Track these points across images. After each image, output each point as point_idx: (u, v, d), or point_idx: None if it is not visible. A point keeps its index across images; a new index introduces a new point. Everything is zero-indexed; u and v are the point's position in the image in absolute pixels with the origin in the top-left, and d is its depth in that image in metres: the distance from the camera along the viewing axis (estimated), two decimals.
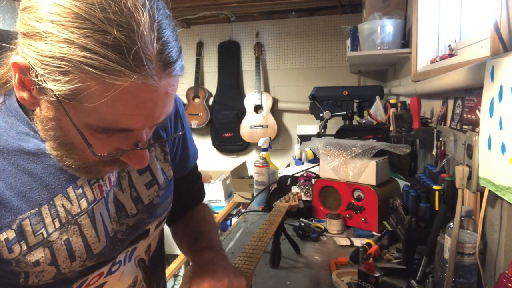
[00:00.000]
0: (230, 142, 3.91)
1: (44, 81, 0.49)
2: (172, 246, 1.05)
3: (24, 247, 0.60)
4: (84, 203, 0.65)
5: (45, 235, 0.61)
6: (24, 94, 0.54)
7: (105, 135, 0.53)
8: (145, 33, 0.48)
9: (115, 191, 0.70)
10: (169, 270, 2.58)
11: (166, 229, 0.93)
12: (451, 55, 1.53)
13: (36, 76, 0.50)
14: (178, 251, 2.49)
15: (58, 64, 0.47)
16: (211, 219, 0.94)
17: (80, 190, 0.64)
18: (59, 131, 0.55)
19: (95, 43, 0.46)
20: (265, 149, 1.88)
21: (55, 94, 0.49)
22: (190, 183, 0.93)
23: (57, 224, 0.62)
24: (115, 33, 0.46)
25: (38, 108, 0.56)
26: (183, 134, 0.86)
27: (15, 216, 0.59)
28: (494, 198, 0.82)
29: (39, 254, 0.61)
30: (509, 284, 0.60)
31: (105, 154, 0.54)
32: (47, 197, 0.61)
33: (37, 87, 0.51)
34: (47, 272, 0.62)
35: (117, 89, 0.47)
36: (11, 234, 0.59)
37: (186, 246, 0.85)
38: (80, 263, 0.65)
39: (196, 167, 0.94)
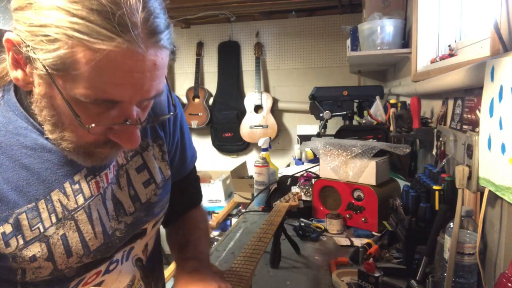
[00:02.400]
0: (230, 142, 3.91)
1: (34, 52, 0.50)
2: None
3: (21, 242, 0.60)
4: (80, 199, 0.65)
5: (42, 230, 0.61)
6: (18, 74, 0.55)
7: (94, 108, 0.53)
8: (131, 0, 0.49)
9: (113, 188, 0.70)
10: (168, 271, 2.57)
11: (163, 229, 0.93)
12: (451, 55, 1.53)
13: (27, 49, 0.51)
14: None
15: (46, 32, 0.49)
16: (204, 226, 0.93)
17: (77, 186, 0.64)
18: (52, 109, 0.56)
19: (81, 8, 0.47)
20: (265, 149, 1.88)
21: (44, 66, 0.50)
22: (188, 185, 0.92)
23: (54, 219, 0.62)
24: None
25: (33, 90, 0.57)
26: (182, 136, 0.85)
27: (12, 210, 0.59)
28: (494, 198, 0.82)
29: (35, 249, 0.61)
30: (509, 284, 0.60)
31: (93, 125, 0.54)
32: (44, 192, 0.62)
33: (28, 60, 0.52)
34: (44, 268, 0.62)
35: (102, 54, 0.48)
36: (7, 228, 0.59)
37: (173, 253, 0.85)
38: (77, 259, 0.65)
39: (194, 169, 0.94)
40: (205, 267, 0.77)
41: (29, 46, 0.50)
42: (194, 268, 0.74)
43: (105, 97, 0.52)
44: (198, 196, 0.97)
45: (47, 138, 0.61)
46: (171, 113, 0.76)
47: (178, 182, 0.87)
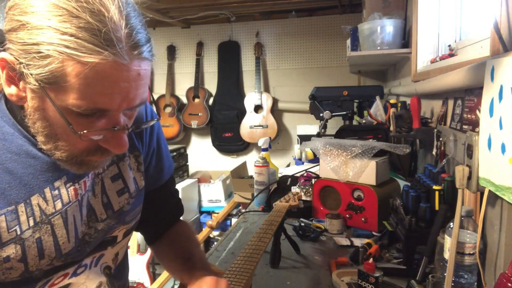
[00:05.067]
0: (230, 142, 3.91)
1: (28, 68, 0.54)
2: None
3: None
4: (59, 204, 0.67)
5: (19, 232, 0.63)
6: (12, 90, 0.59)
7: (85, 118, 0.57)
8: (115, 18, 0.54)
9: (88, 195, 0.72)
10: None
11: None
12: (451, 55, 1.53)
13: (20, 66, 0.55)
14: None
15: (39, 49, 0.53)
16: (196, 239, 0.97)
17: (56, 192, 0.67)
18: (45, 121, 0.59)
19: (70, 27, 0.52)
20: (265, 149, 1.88)
21: (37, 80, 0.54)
22: (167, 196, 0.94)
23: (31, 223, 0.64)
24: (88, 18, 0.53)
25: (26, 104, 0.60)
26: (158, 146, 0.88)
27: None
28: (494, 198, 0.81)
29: (10, 250, 0.62)
30: (509, 284, 0.60)
31: (85, 131, 0.58)
32: (25, 196, 0.64)
33: (21, 77, 0.56)
34: (15, 269, 0.64)
35: (91, 66, 0.53)
36: None
37: (177, 266, 0.86)
38: (48, 262, 0.67)
39: (172, 181, 0.95)
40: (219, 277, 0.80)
41: (22, 63, 0.55)
42: (211, 277, 0.76)
43: (94, 107, 0.56)
44: (179, 207, 0.98)
45: (32, 145, 0.64)
46: (155, 119, 0.80)
47: (157, 192, 0.89)
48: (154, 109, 0.90)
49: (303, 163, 2.13)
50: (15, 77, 0.58)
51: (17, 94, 0.59)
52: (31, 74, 0.54)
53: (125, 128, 0.62)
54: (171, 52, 4.03)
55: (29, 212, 0.64)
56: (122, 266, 0.86)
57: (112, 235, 0.78)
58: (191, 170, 4.06)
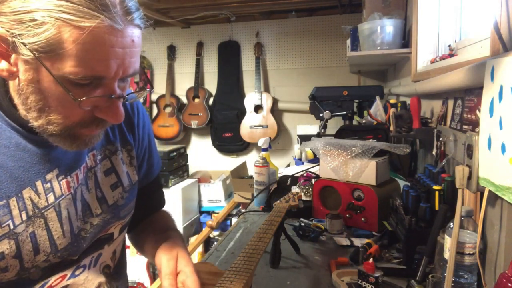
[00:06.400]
0: (230, 142, 3.91)
1: (21, 38, 0.53)
2: None
3: None
4: (51, 197, 0.66)
5: (12, 227, 0.62)
6: (3, 65, 0.57)
7: (81, 88, 0.57)
8: None
9: (82, 190, 0.72)
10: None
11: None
12: (451, 55, 1.53)
13: (13, 37, 0.53)
14: None
15: (33, 16, 0.52)
16: (174, 223, 0.96)
17: (48, 185, 0.66)
18: (39, 93, 0.58)
19: None
20: (265, 149, 1.88)
21: (31, 50, 0.53)
22: (152, 192, 0.94)
23: (24, 217, 0.64)
24: None
25: (16, 81, 0.59)
26: (149, 142, 0.89)
27: None
28: (494, 198, 0.81)
29: (4, 246, 0.62)
30: (509, 284, 0.60)
31: (84, 98, 0.57)
32: (16, 190, 0.63)
33: (13, 49, 0.55)
34: (11, 267, 0.63)
35: (88, 31, 0.53)
36: None
37: (152, 239, 0.86)
38: (44, 257, 0.66)
39: (159, 176, 0.96)
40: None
41: (14, 34, 0.53)
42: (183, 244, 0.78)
43: (91, 74, 0.56)
44: (162, 201, 0.99)
45: (22, 136, 0.63)
46: (147, 90, 0.78)
47: (145, 189, 0.90)
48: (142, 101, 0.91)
49: (303, 163, 2.13)
50: (6, 50, 0.56)
51: (8, 69, 0.58)
52: (25, 45, 0.53)
53: (121, 96, 0.62)
54: (171, 52, 4.03)
55: (21, 206, 0.63)
56: (120, 265, 0.86)
57: (108, 233, 0.78)
58: (191, 170, 4.06)
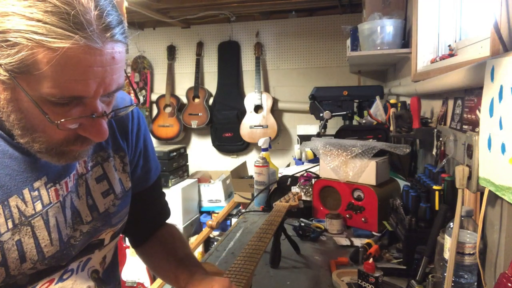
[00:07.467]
0: (230, 142, 3.91)
1: None
2: None
3: None
4: (39, 206, 0.65)
5: None
6: None
7: (61, 107, 0.55)
8: (83, 0, 0.52)
9: (72, 197, 0.70)
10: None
11: None
12: (451, 55, 1.53)
13: None
14: None
15: (5, 37, 0.50)
16: (186, 241, 0.95)
17: (36, 193, 0.65)
18: (19, 112, 0.57)
19: (37, 11, 0.50)
20: (265, 149, 1.88)
21: (7, 70, 0.52)
22: (154, 198, 0.93)
23: (10, 225, 0.62)
24: (55, 1, 0.50)
25: None
26: (145, 147, 0.86)
27: None
28: (494, 198, 0.81)
29: None
30: (509, 284, 0.60)
31: (62, 120, 0.55)
32: (2, 197, 0.62)
33: None
34: None
35: (62, 52, 0.50)
36: None
37: (170, 266, 0.85)
38: (31, 265, 0.65)
39: (159, 182, 0.94)
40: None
41: None
42: (223, 278, 0.76)
43: (69, 94, 0.54)
44: (167, 209, 0.97)
45: (8, 144, 0.62)
46: (134, 105, 0.76)
47: (144, 194, 0.88)
48: (133, 97, 0.88)
49: (303, 163, 2.13)
50: None
51: None
52: (0, 65, 0.52)
53: (103, 115, 0.60)
54: (171, 52, 4.03)
55: (7, 214, 0.62)
56: (110, 269, 0.84)
57: (99, 238, 0.76)
58: (191, 170, 4.06)
